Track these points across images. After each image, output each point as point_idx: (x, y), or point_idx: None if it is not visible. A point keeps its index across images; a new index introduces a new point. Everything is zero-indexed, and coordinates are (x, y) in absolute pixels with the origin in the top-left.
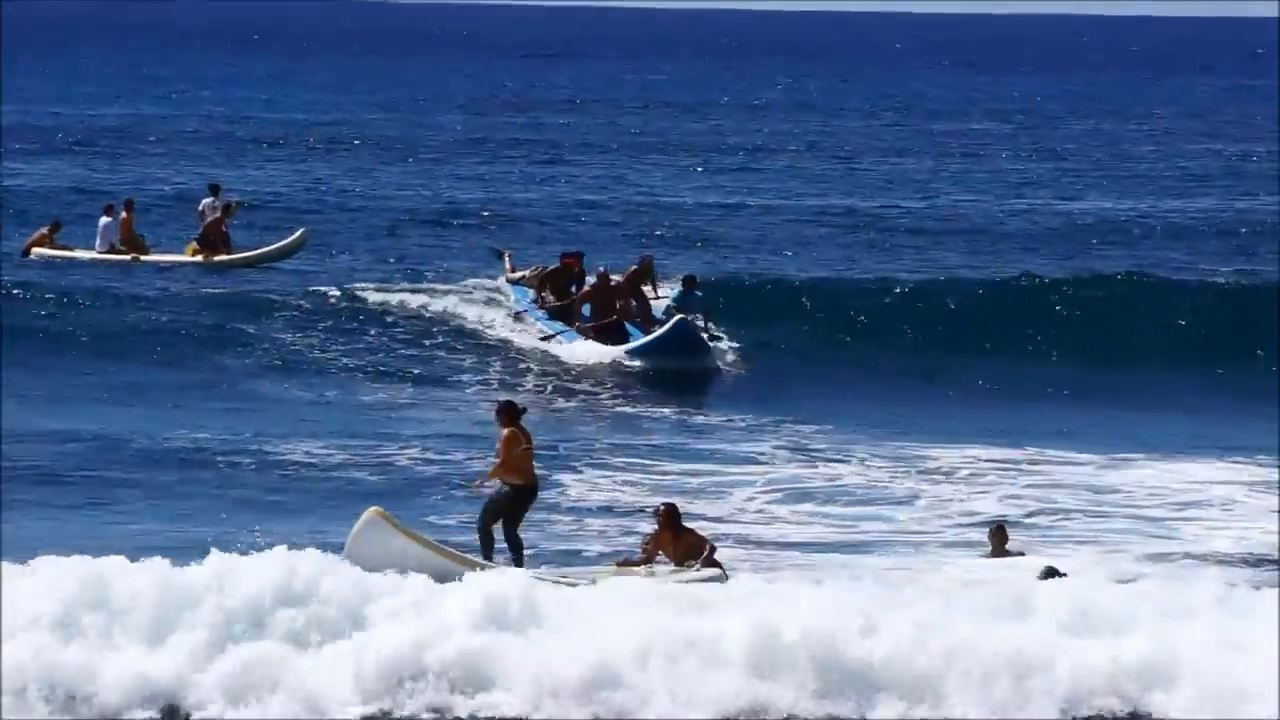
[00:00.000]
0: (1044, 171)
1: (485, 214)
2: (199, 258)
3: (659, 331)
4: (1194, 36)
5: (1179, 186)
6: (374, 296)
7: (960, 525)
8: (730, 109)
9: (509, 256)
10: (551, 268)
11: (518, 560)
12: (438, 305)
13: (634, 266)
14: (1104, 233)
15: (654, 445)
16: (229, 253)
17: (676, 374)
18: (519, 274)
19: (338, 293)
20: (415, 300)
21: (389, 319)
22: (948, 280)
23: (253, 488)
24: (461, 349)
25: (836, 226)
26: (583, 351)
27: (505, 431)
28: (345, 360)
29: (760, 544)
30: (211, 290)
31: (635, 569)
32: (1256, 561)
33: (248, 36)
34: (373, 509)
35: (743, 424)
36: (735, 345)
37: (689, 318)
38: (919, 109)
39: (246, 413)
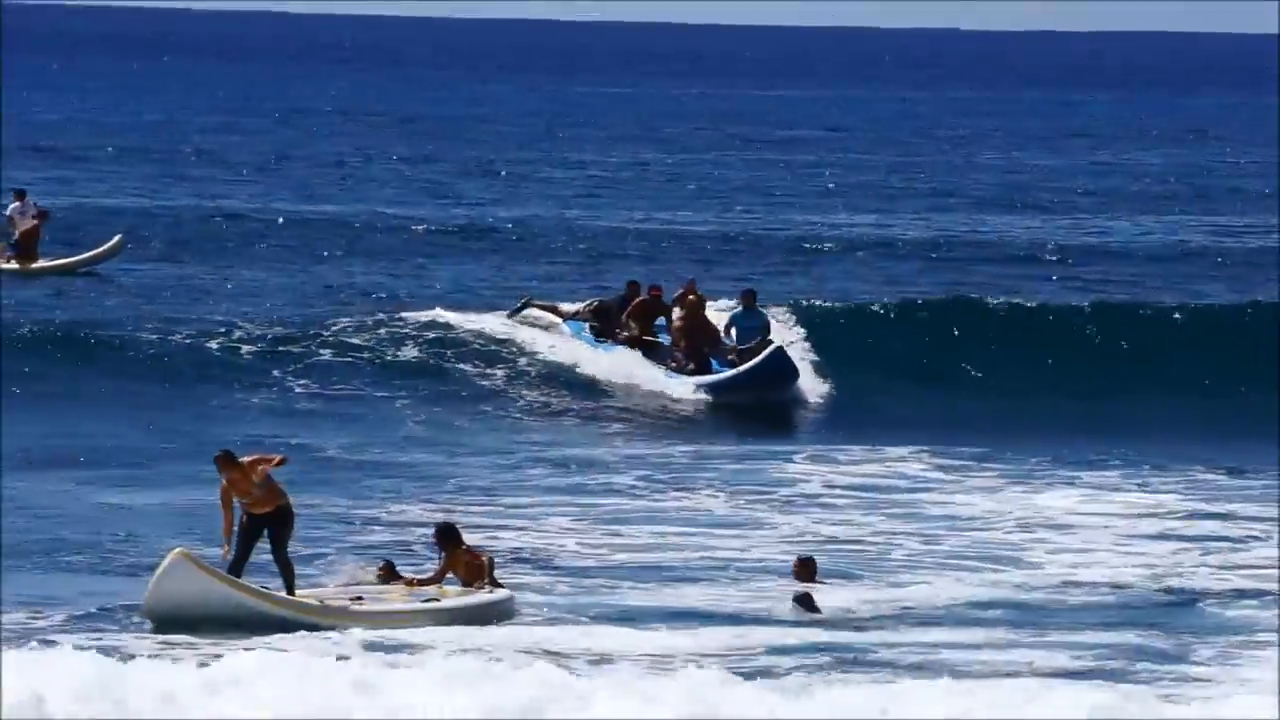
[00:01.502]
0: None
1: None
2: (13, 265)
3: (753, 362)
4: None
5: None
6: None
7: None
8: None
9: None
10: (602, 301)
11: (288, 585)
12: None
13: (681, 291)
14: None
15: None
16: (38, 259)
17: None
18: (573, 308)
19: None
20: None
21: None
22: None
23: None
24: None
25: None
26: (657, 381)
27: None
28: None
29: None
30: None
31: (424, 588)
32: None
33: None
34: (177, 550)
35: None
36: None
37: (782, 345)
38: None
39: None
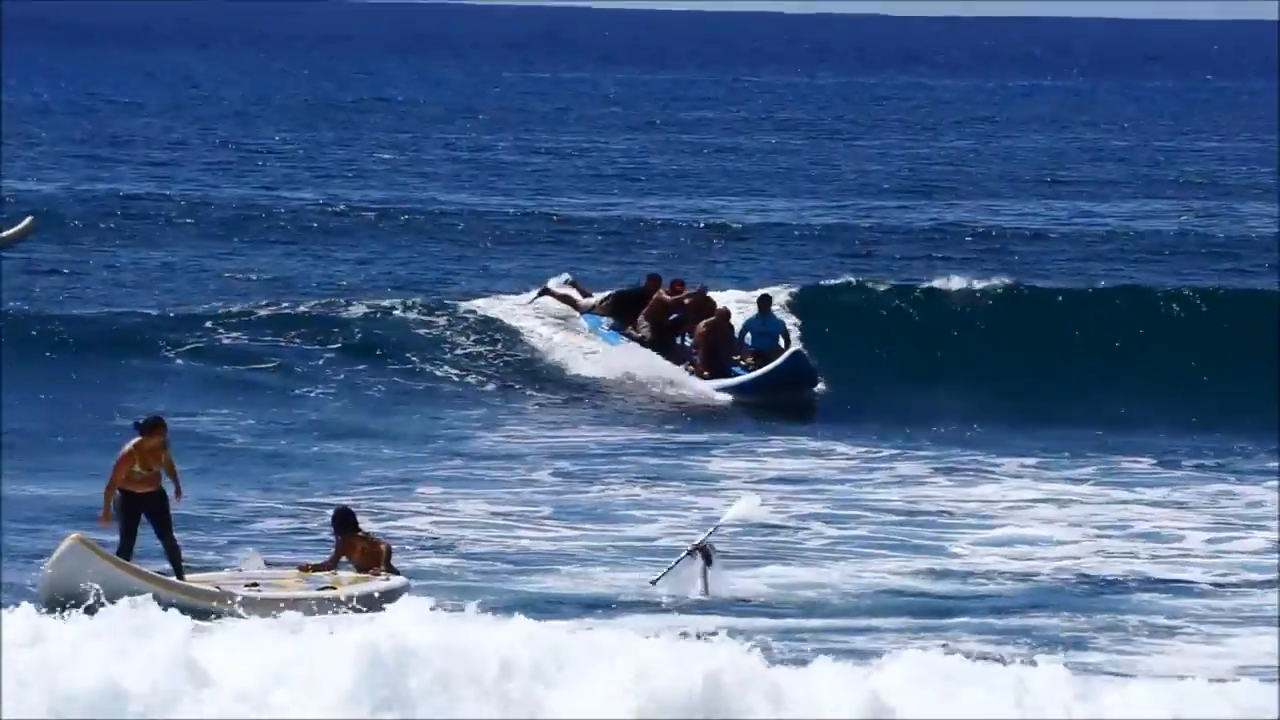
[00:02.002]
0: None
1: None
2: None
3: (774, 365)
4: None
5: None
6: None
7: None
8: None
9: (562, 285)
10: (620, 293)
11: (176, 570)
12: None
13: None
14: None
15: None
16: None
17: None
18: (591, 301)
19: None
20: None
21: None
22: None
23: None
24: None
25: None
26: (681, 389)
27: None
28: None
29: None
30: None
31: (318, 574)
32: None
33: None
34: (73, 535)
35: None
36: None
37: (801, 349)
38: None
39: None
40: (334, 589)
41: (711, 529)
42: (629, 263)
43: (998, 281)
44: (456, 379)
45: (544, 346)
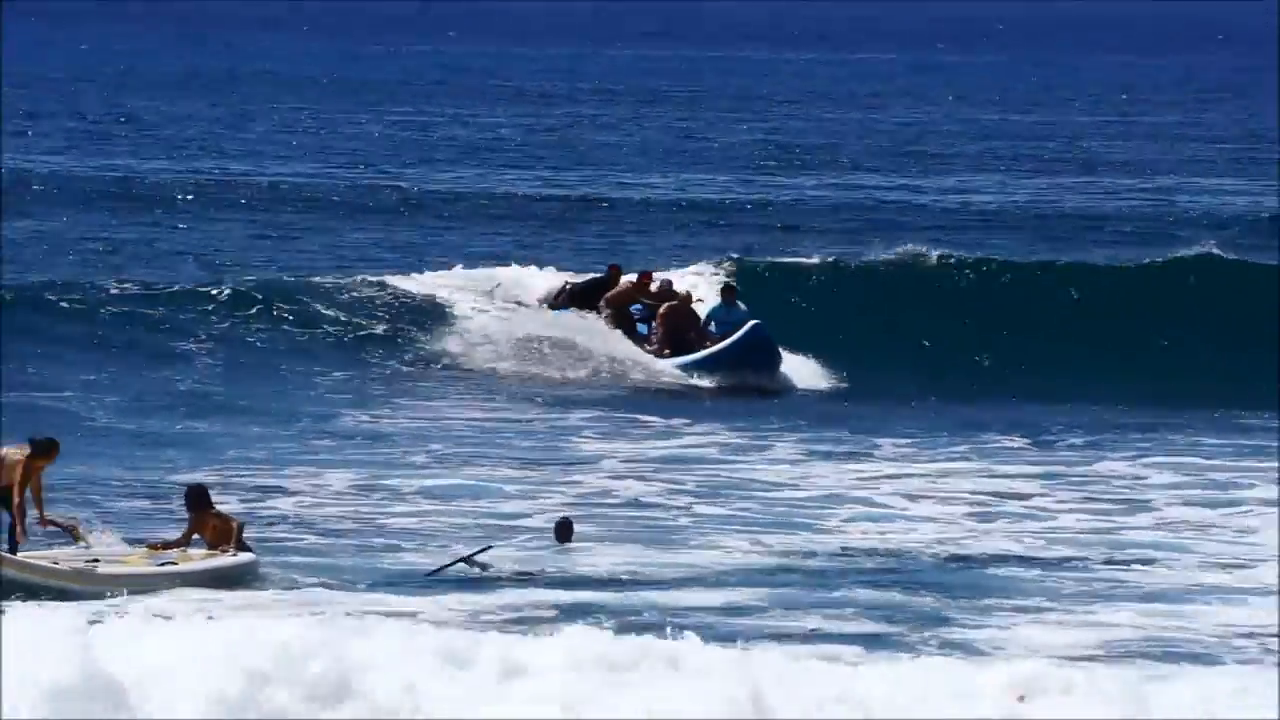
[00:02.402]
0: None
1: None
2: None
3: (734, 338)
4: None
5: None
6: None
7: None
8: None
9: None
10: (572, 285)
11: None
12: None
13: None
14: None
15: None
16: None
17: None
18: (542, 295)
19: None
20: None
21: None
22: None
23: None
24: None
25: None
26: (639, 367)
27: None
28: None
29: None
30: None
31: (167, 551)
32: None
33: None
34: None
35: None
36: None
37: (762, 323)
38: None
39: None
40: (175, 565)
41: (482, 549)
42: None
43: (896, 254)
44: (337, 357)
45: (449, 325)
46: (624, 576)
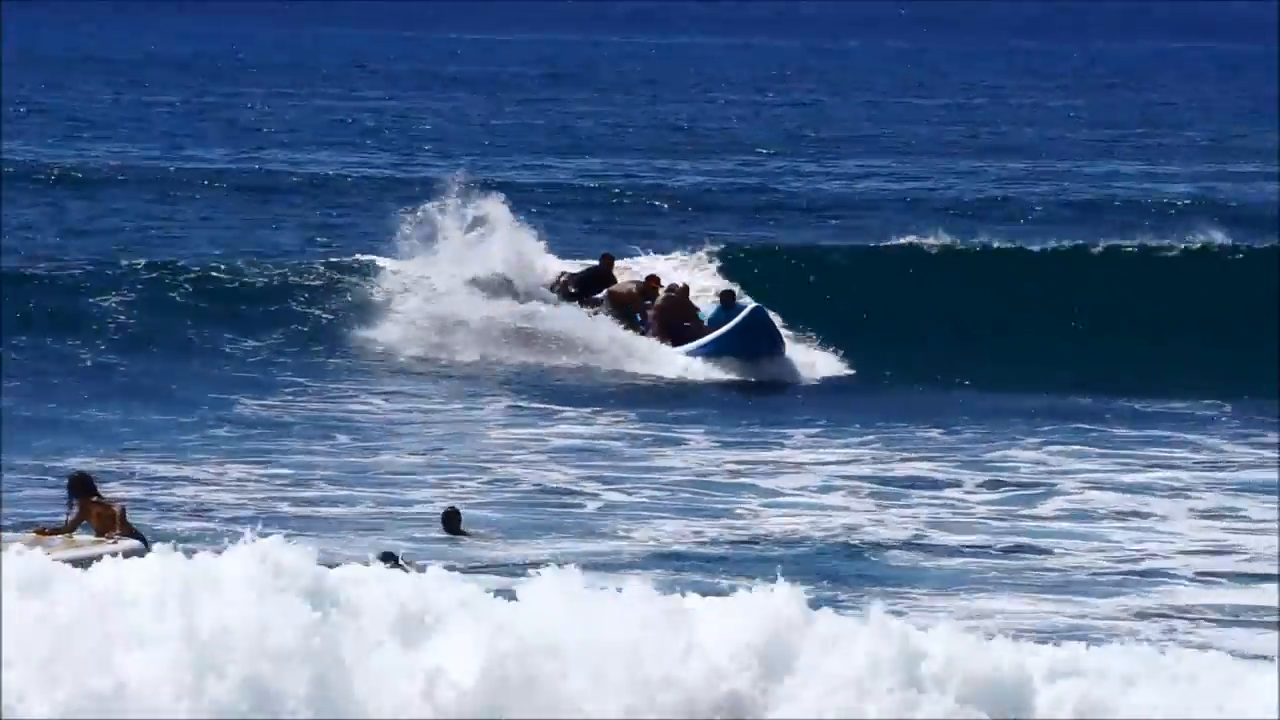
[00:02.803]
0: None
1: None
2: None
3: (735, 321)
4: None
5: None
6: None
7: None
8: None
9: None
10: (571, 275)
11: None
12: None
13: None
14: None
15: None
16: None
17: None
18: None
19: None
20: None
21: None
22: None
23: None
24: None
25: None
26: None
27: None
28: None
29: None
30: None
31: (53, 537)
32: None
33: None
34: None
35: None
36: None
37: (762, 306)
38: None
39: None
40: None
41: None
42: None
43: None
44: (246, 343)
45: (380, 312)
46: (519, 564)
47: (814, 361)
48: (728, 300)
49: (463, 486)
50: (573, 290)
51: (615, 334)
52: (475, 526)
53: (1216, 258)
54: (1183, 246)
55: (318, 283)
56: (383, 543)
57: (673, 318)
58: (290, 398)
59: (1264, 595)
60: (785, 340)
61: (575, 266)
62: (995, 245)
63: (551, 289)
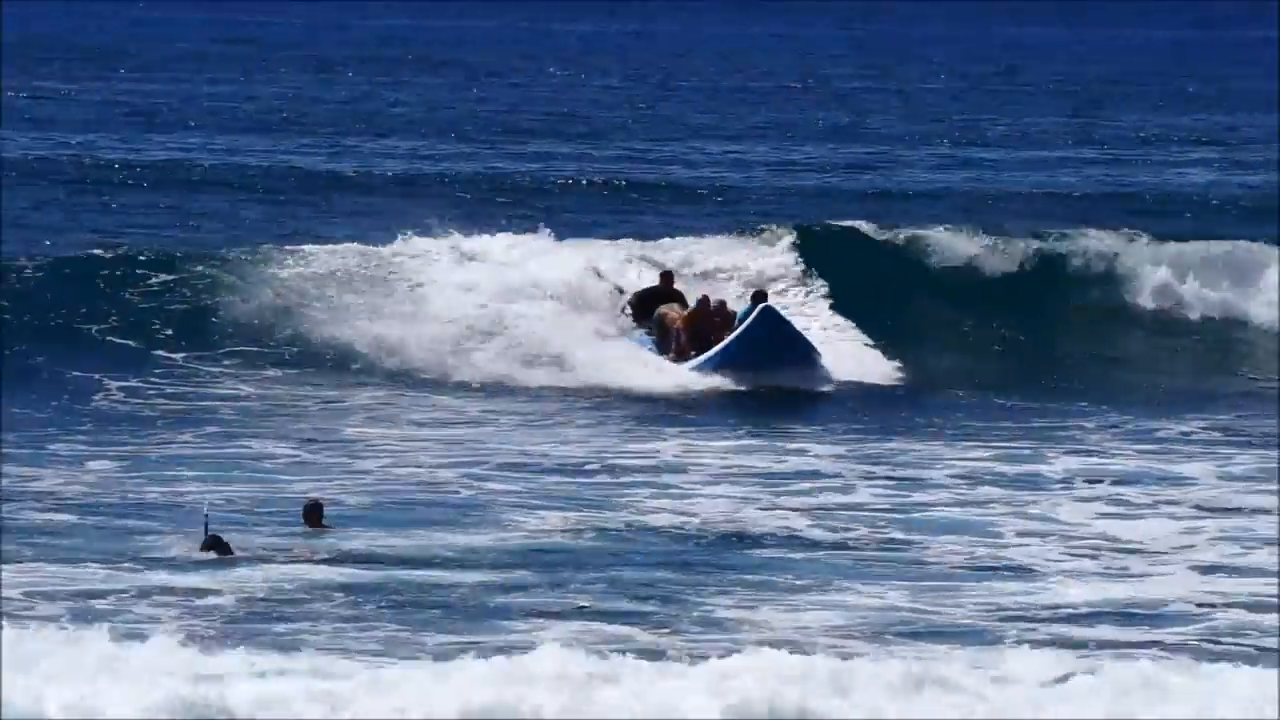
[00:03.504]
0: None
1: None
2: None
3: (742, 328)
4: None
5: None
6: None
7: None
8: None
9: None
10: (648, 288)
11: None
12: None
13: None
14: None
15: None
16: None
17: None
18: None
19: None
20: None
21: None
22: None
23: None
24: None
25: None
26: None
27: None
28: None
29: None
30: None
31: None
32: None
33: None
34: None
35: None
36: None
37: (773, 306)
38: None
39: None
40: None
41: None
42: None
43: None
44: (119, 335)
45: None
46: (390, 555)
47: (864, 365)
48: (759, 302)
49: (333, 479)
50: (629, 310)
51: (617, 350)
52: (338, 521)
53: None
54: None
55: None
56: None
57: (700, 330)
58: (158, 387)
59: (1135, 589)
60: (814, 342)
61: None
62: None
63: (623, 311)
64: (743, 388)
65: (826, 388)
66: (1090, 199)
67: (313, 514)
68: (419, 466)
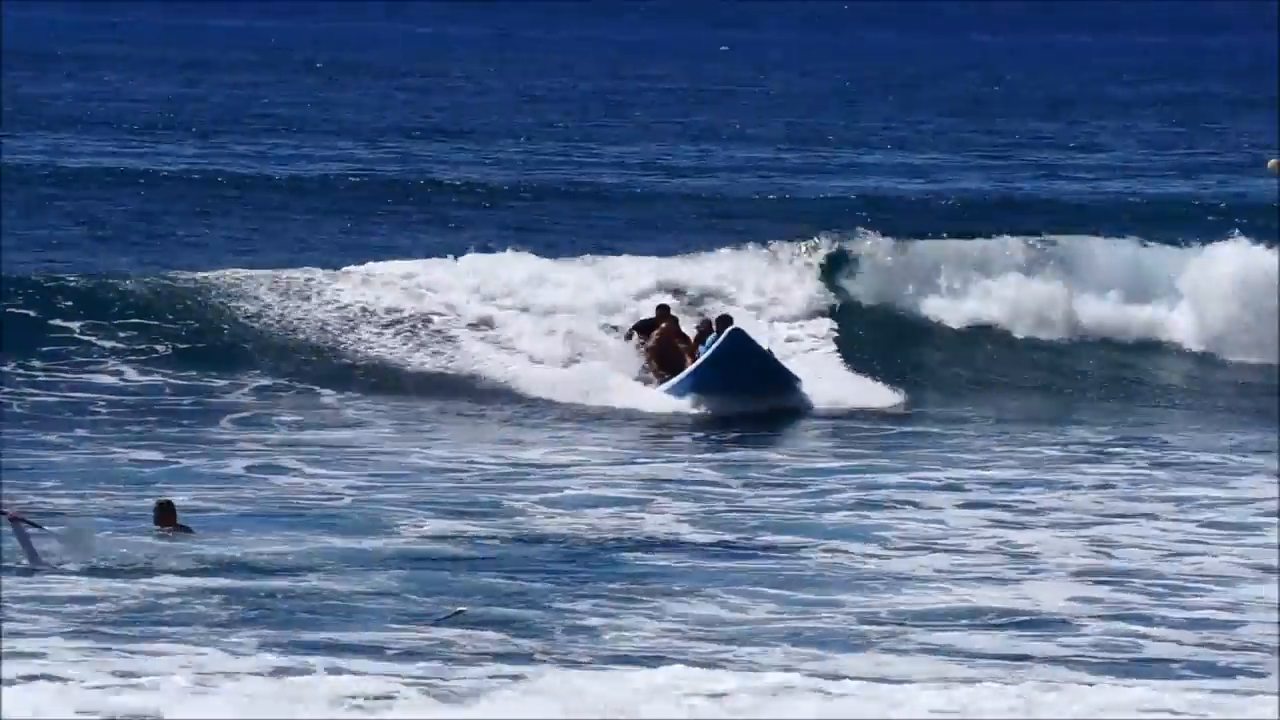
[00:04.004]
0: None
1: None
2: None
3: (710, 350)
4: None
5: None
6: None
7: None
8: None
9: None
10: (645, 320)
11: None
12: None
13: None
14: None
15: None
16: None
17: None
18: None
19: None
20: None
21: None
22: None
23: None
24: None
25: None
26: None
27: None
28: None
29: None
30: None
31: None
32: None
33: None
34: None
35: None
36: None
37: (741, 329)
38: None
39: None
40: None
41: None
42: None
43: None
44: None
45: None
46: (262, 561)
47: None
48: (720, 327)
49: (201, 485)
50: (629, 339)
51: (582, 372)
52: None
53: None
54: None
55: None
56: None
57: (664, 352)
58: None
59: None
60: (789, 365)
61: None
62: None
63: (627, 338)
64: (712, 412)
65: (805, 409)
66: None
67: (165, 512)
68: (308, 470)
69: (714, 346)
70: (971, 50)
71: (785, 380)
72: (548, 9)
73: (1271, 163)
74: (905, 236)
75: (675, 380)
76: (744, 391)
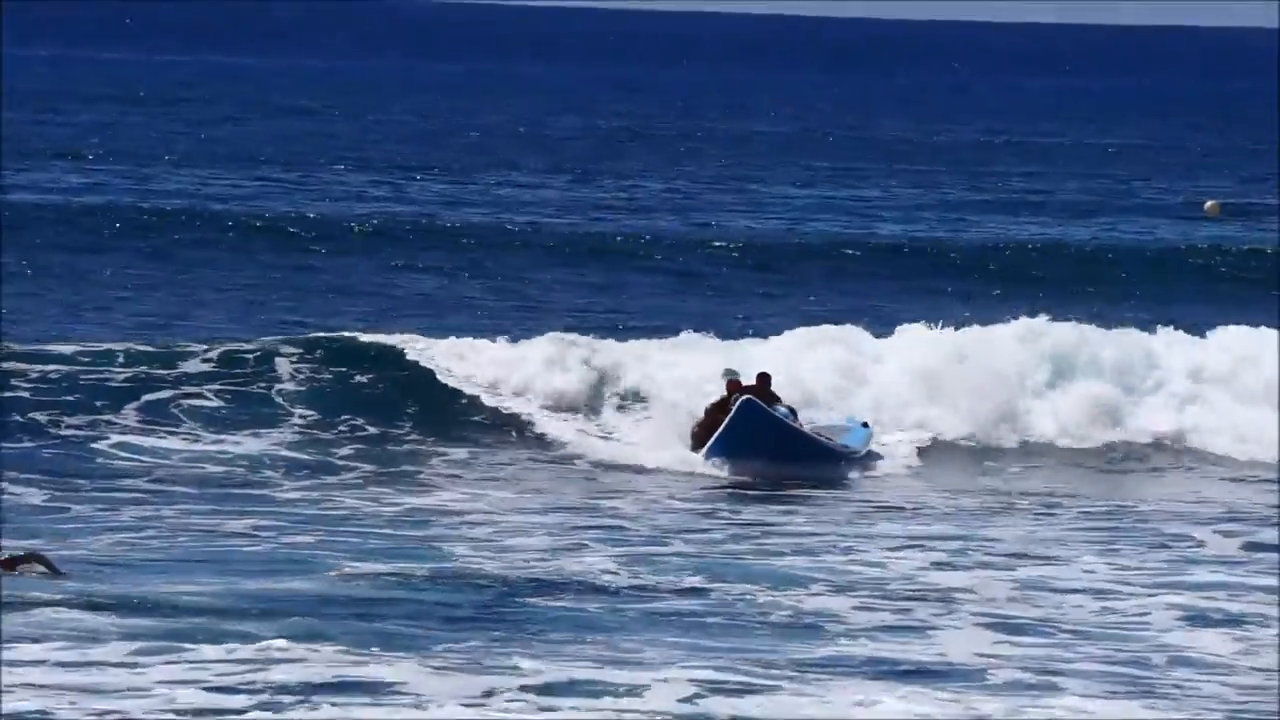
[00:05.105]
0: None
1: None
2: None
3: (724, 425)
4: None
5: None
6: None
7: None
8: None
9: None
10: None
11: None
12: None
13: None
14: None
15: None
16: None
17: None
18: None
19: None
20: None
21: None
22: None
23: None
24: None
25: None
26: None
27: None
28: None
29: None
30: None
31: None
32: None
33: None
34: None
35: None
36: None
37: (753, 399)
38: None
39: None
40: None
41: None
42: None
43: None
44: None
45: None
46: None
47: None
48: (761, 386)
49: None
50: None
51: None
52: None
53: None
54: None
55: None
56: None
57: (714, 419)
58: None
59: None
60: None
61: None
62: None
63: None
64: (745, 478)
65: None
66: None
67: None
68: (213, 511)
69: (727, 422)
70: None
71: (817, 451)
72: None
73: (1209, 204)
74: None
75: (707, 446)
76: (763, 459)
